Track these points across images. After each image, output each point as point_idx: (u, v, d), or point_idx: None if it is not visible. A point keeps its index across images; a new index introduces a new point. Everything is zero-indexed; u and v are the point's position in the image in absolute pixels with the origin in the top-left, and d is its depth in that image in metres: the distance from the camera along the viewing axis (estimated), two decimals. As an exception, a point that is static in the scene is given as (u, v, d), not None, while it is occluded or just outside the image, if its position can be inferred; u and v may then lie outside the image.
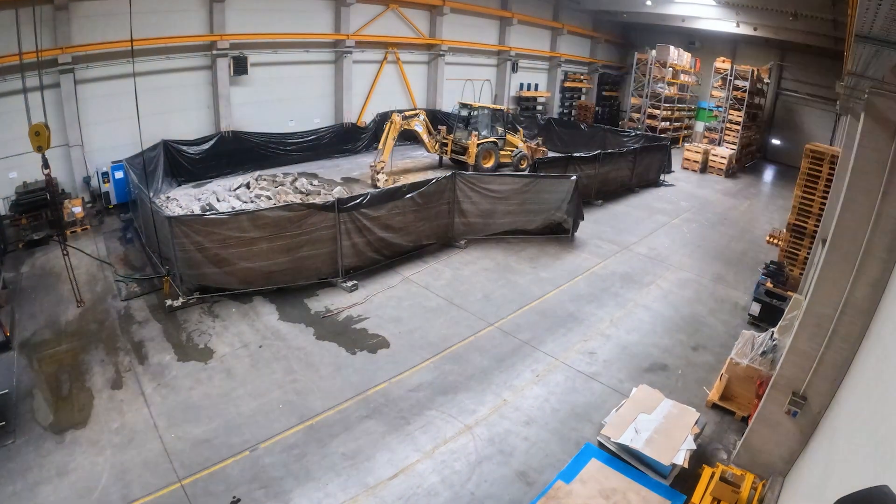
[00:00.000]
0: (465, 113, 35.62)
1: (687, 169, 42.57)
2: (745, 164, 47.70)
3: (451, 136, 34.88)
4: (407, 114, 32.36)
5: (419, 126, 33.32)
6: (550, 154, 36.93)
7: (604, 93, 61.67)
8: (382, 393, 14.20)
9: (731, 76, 46.56)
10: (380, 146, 31.20)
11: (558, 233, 25.20)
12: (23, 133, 15.57)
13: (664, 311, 19.64)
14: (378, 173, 30.40)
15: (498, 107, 37.34)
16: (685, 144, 47.98)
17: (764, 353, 14.57)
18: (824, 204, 19.84)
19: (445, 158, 35.89)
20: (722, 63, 47.92)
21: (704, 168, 42.63)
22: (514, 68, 49.66)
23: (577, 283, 21.18)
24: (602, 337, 17.55)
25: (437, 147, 34.69)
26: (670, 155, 39.99)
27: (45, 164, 15.49)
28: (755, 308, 18.98)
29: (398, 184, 22.25)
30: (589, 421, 13.59)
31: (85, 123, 25.41)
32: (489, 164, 34.49)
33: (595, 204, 30.55)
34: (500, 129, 36.08)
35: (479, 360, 15.80)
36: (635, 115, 52.94)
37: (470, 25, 45.11)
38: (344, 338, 16.52)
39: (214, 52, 29.87)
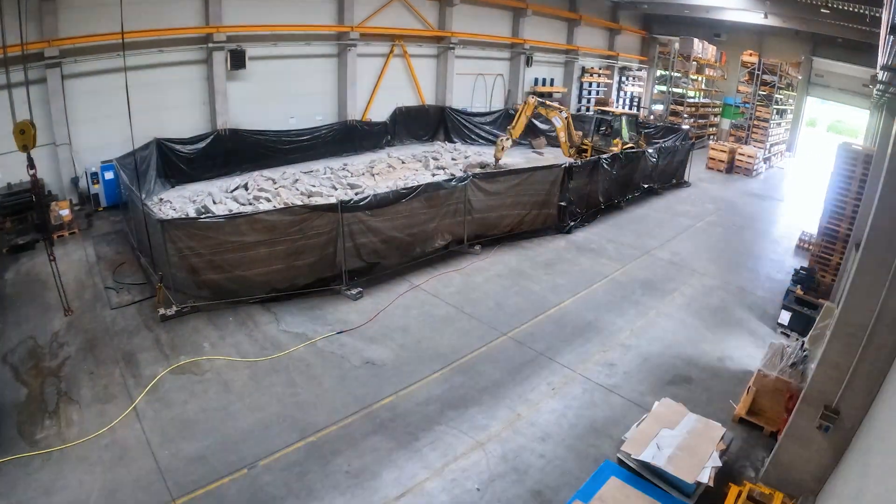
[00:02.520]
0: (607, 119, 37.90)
1: (712, 169, 42.61)
2: (773, 163, 47.69)
3: (591, 141, 36.40)
4: (547, 102, 35.16)
5: (558, 121, 34.44)
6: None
7: (624, 88, 61.70)
8: (389, 407, 14.21)
9: (758, 70, 46.58)
10: (512, 125, 34.85)
11: (549, 224, 26.16)
12: (7, 131, 15.65)
13: (688, 319, 19.61)
14: (502, 150, 34.82)
15: (634, 112, 38.81)
16: (710, 142, 47.95)
17: (794, 364, 14.53)
18: (858, 206, 19.80)
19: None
20: (749, 56, 47.95)
21: (731, 168, 42.59)
22: (529, 62, 49.71)
23: (595, 290, 21.19)
24: (622, 347, 17.54)
25: (573, 152, 35.20)
26: (687, 136, 41.30)
27: (31, 165, 15.53)
28: (784, 317, 18.95)
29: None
30: (608, 436, 13.57)
31: (73, 121, 25.50)
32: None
33: (619, 207, 30.60)
34: (635, 135, 37.61)
35: (491, 372, 15.79)
36: (657, 112, 52.94)
37: (481, 17, 45.17)
38: (348, 348, 16.53)
39: (210, 45, 30.01)
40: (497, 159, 35.41)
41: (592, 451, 13.05)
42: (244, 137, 31.85)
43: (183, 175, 29.20)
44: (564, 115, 34.59)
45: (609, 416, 14.35)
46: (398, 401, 14.43)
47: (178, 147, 29.03)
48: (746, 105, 48.80)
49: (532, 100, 33.85)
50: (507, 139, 34.76)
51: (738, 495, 11.17)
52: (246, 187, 28.13)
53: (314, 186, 28.67)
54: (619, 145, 35.21)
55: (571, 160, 31.79)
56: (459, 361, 16.18)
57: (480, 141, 44.20)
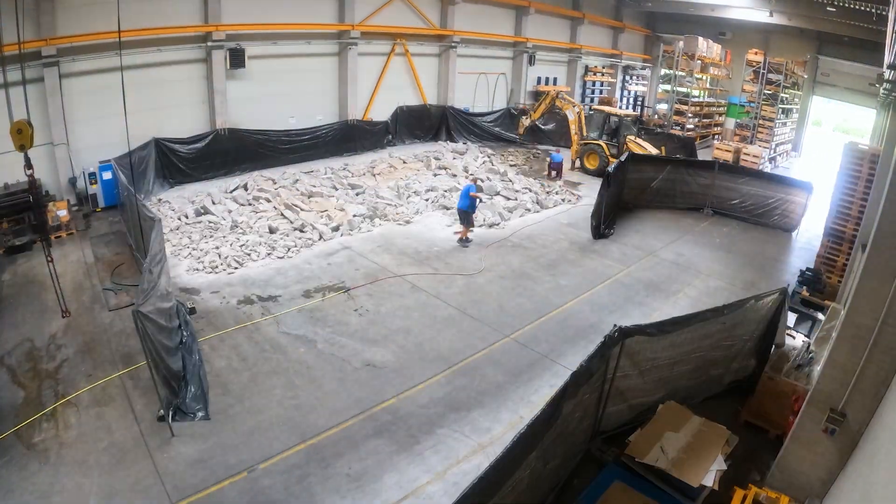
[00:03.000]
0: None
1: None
2: (778, 163, 47.55)
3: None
4: (565, 96, 39.33)
5: (571, 115, 38.36)
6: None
7: (627, 87, 61.68)
8: (390, 409, 14.21)
9: (763, 69, 46.48)
10: (534, 108, 42.15)
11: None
12: (4, 131, 15.60)
13: (693, 321, 19.53)
14: (523, 126, 42.65)
15: (617, 111, 39.46)
16: (715, 142, 47.92)
17: (800, 366, 14.52)
18: (864, 206, 19.78)
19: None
20: (754, 55, 47.87)
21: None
22: (532, 61, 49.74)
23: (598, 291, 21.18)
24: (625, 350, 17.48)
25: (579, 148, 38.72)
26: (695, 150, 41.47)
27: (28, 165, 15.49)
28: (790, 318, 18.90)
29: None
30: (612, 439, 13.57)
31: (70, 120, 25.48)
32: (593, 167, 37.78)
33: (622, 208, 30.45)
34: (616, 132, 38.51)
35: (493, 375, 15.78)
36: (661, 111, 52.85)
37: (484, 15, 45.22)
38: (348, 350, 16.54)
39: (209, 43, 30.03)
40: (520, 134, 43.10)
41: (596, 455, 13.04)
42: (243, 137, 31.85)
43: (182, 175, 29.25)
44: (577, 110, 38.04)
45: (613, 418, 14.33)
46: (399, 403, 14.44)
47: (176, 147, 29.04)
48: (751, 104, 48.69)
49: (553, 90, 39.04)
50: (527, 118, 41.92)
51: (744, 499, 11.15)
52: (245, 188, 28.17)
53: (315, 187, 28.68)
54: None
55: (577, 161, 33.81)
56: (461, 363, 16.19)
57: (483, 141, 44.15)
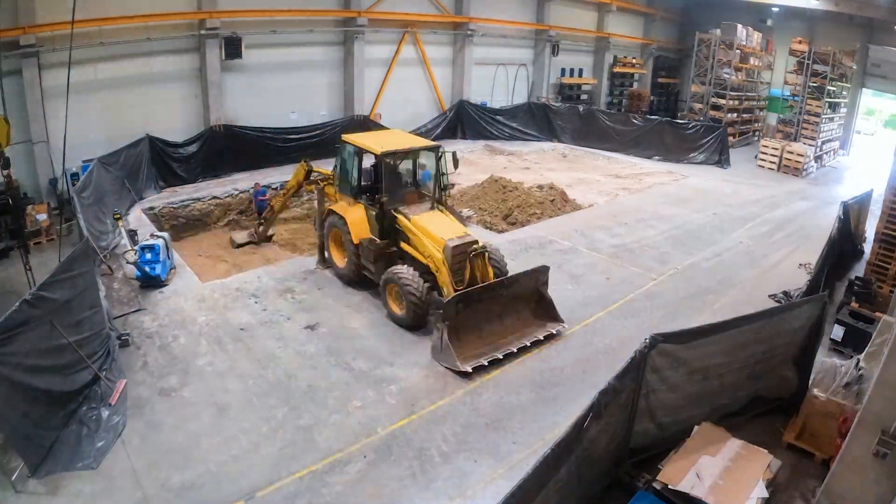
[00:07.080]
0: None
1: (762, 167, 43.05)
2: (824, 161, 47.41)
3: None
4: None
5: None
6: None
7: (660, 79, 61.49)
8: (401, 432, 14.19)
9: (808, 60, 46.29)
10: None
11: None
12: (-22, 128, 15.69)
13: (731, 335, 19.45)
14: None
15: None
16: (759, 139, 47.88)
17: (848, 384, 14.45)
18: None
19: None
20: (798, 45, 47.69)
21: (779, 167, 42.51)
22: (555, 51, 49.65)
23: (629, 302, 21.15)
24: (658, 366, 17.43)
25: None
26: (726, 139, 42.82)
27: (5, 165, 15.57)
28: (838, 332, 18.73)
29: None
30: (644, 465, 13.52)
31: (51, 116, 25.26)
32: None
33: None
34: None
35: (515, 394, 15.76)
36: (697, 106, 52.75)
37: (503, 0, 45.21)
38: (357, 366, 16.55)
39: (203, 32, 30.08)
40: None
41: (625, 481, 13.00)
42: (240, 135, 31.97)
43: (174, 176, 29.38)
44: None
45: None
46: (411, 425, 14.42)
47: (168, 145, 29.24)
48: (795, 98, 48.52)
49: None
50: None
51: (787, 529, 11.14)
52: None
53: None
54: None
55: None
56: (480, 381, 16.14)
57: (501, 138, 44.18)
